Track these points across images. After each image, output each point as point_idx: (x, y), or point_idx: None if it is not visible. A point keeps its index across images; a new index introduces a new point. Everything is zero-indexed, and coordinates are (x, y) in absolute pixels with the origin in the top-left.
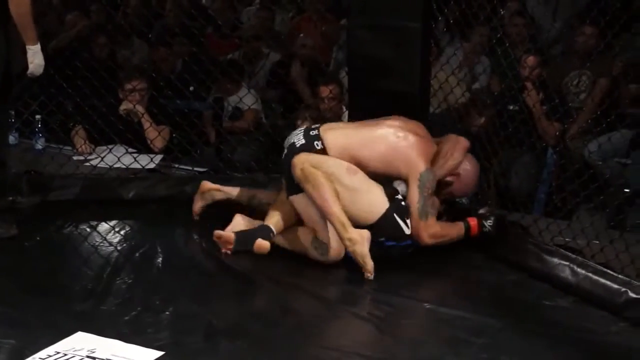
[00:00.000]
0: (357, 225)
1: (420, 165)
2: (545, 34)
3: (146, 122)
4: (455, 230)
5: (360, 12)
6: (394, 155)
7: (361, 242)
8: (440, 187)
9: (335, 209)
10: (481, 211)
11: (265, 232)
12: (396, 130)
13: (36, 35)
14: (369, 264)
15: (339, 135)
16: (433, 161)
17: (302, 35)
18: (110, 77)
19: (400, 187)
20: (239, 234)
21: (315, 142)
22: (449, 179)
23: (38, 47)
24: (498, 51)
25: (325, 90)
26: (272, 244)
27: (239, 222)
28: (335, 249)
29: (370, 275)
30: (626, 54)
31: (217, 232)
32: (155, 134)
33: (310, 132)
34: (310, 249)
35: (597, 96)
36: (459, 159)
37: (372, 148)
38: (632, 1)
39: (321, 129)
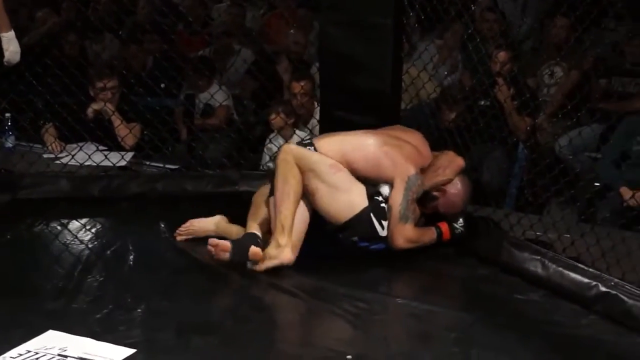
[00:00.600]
0: (334, 222)
1: (410, 169)
2: (516, 29)
3: (116, 120)
4: (427, 235)
5: (331, 8)
6: (384, 159)
7: (281, 257)
8: (426, 200)
9: (283, 209)
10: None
11: (254, 238)
12: (390, 137)
13: (9, 22)
14: (264, 269)
15: (333, 140)
16: (424, 172)
17: (292, 32)
18: (80, 75)
19: (383, 189)
20: (234, 242)
21: (308, 148)
22: (434, 193)
23: (12, 33)
24: (469, 47)
25: (297, 87)
26: None
27: (215, 219)
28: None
29: (255, 268)
30: (596, 49)
31: (213, 240)
32: (126, 132)
33: (303, 142)
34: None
35: (566, 87)
36: (449, 176)
37: (364, 151)
38: None
39: (314, 139)
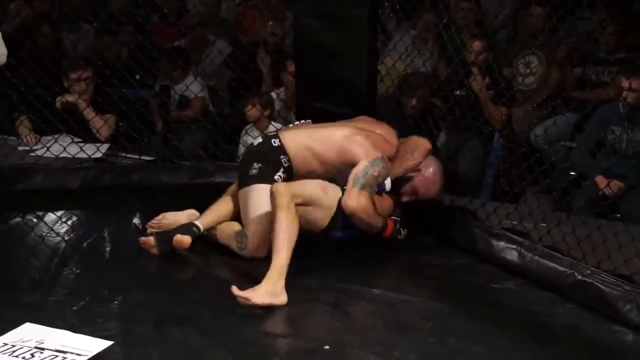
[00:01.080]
0: (318, 228)
1: (377, 153)
2: (491, 18)
3: (90, 113)
4: (378, 219)
5: None
6: (354, 147)
7: (277, 298)
8: (400, 184)
9: (283, 256)
10: (394, 217)
11: (186, 229)
12: (355, 128)
13: None
14: (256, 302)
15: (298, 133)
16: (392, 160)
17: (270, 23)
18: (55, 66)
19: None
20: (158, 235)
21: (273, 140)
22: (410, 175)
23: None
24: (445, 36)
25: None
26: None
27: (187, 213)
28: (252, 245)
29: (243, 297)
30: (570, 39)
31: (141, 238)
32: (100, 123)
33: (269, 134)
34: (233, 239)
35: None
36: (418, 159)
37: (333, 143)
38: None
39: (280, 131)
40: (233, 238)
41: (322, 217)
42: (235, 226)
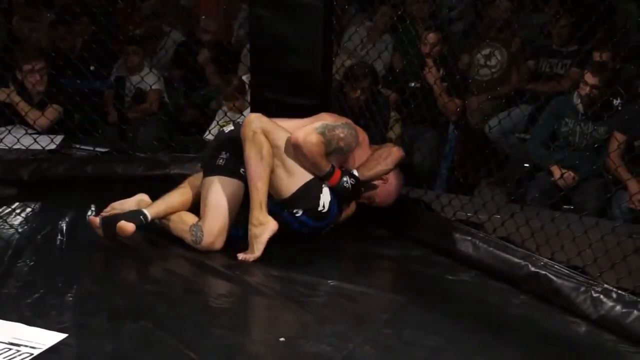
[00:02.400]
0: (282, 196)
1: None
2: (445, 10)
3: (21, 111)
4: (325, 163)
5: None
6: (318, 119)
7: (267, 229)
8: (365, 189)
9: (260, 186)
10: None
11: (133, 216)
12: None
13: None
14: (259, 251)
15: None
16: (364, 163)
17: (203, 17)
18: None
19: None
20: (105, 218)
21: None
22: (375, 182)
23: None
24: (399, 28)
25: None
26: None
27: (136, 199)
28: (208, 239)
29: (250, 259)
30: (524, 31)
31: (89, 217)
32: (37, 116)
33: (238, 121)
34: (188, 232)
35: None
36: (389, 166)
37: (299, 126)
38: None
39: None
40: (187, 231)
41: (281, 172)
42: (190, 218)
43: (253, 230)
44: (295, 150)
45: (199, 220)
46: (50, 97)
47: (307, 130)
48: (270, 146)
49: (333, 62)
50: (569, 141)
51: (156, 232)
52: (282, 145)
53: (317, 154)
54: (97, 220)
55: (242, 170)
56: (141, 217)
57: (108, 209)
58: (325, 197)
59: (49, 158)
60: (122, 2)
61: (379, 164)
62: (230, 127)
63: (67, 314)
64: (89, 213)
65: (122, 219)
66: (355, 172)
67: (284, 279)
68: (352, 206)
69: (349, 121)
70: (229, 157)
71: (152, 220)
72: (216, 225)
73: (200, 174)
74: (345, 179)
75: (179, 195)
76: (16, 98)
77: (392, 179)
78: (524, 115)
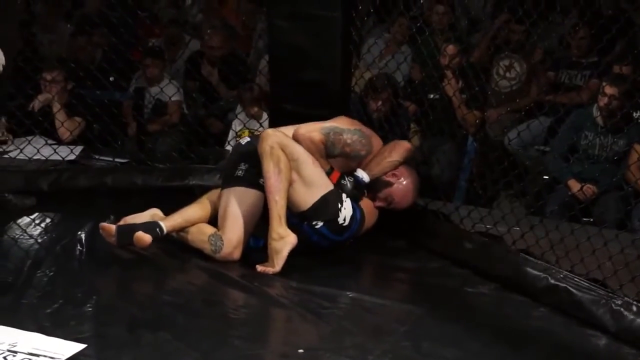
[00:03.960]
0: (300, 209)
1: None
2: (464, 22)
3: (61, 115)
4: (321, 161)
5: (280, 0)
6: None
7: (287, 243)
8: (379, 186)
9: (279, 199)
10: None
11: (149, 227)
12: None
13: None
14: (279, 266)
15: (283, 131)
16: (372, 159)
17: (208, 31)
18: (29, 67)
19: (358, 172)
20: (121, 227)
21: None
22: (386, 178)
23: None
24: (419, 40)
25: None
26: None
27: (150, 213)
28: (227, 249)
29: (269, 272)
30: (544, 42)
31: (101, 224)
32: (66, 124)
33: (256, 133)
34: (207, 242)
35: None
36: (396, 158)
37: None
38: None
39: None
40: (206, 241)
41: (299, 186)
42: (208, 229)
43: (273, 244)
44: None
45: (217, 231)
46: (70, 109)
47: (312, 127)
48: (288, 160)
49: (352, 74)
50: (589, 154)
51: (174, 243)
52: (299, 158)
53: (314, 152)
54: (113, 228)
55: (261, 180)
56: (157, 229)
57: (121, 222)
58: (347, 212)
59: (68, 169)
60: (142, 13)
61: (384, 158)
62: (247, 139)
63: (86, 325)
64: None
65: (139, 229)
66: (361, 172)
67: (302, 291)
68: (372, 220)
69: (364, 128)
70: (248, 168)
71: (168, 233)
72: (235, 235)
73: (218, 190)
74: (344, 181)
75: (197, 210)
76: (57, 106)
77: (407, 176)
78: (543, 127)
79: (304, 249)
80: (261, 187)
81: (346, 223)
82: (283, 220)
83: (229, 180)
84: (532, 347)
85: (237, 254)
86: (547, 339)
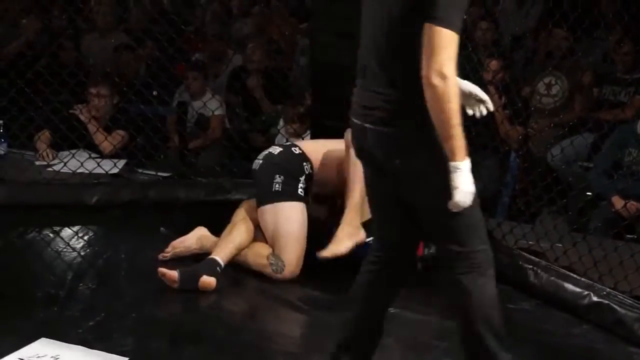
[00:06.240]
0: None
1: None
2: (508, 38)
3: (93, 128)
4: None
5: (323, 16)
6: None
7: (359, 235)
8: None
9: (358, 193)
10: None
11: (210, 267)
12: None
13: None
14: (347, 249)
15: (316, 142)
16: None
17: (251, 45)
18: (74, 81)
19: None
20: (183, 272)
21: (293, 148)
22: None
23: None
24: (461, 55)
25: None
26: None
27: (196, 235)
28: (290, 268)
29: (338, 253)
30: (589, 59)
31: (161, 269)
32: (101, 139)
33: (286, 143)
34: (266, 264)
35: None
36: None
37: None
38: (592, 7)
39: (296, 142)
40: (266, 264)
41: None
42: (263, 249)
43: (346, 229)
44: None
45: (273, 250)
46: (115, 123)
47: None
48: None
49: None
50: (633, 171)
51: None
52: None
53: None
54: (175, 275)
55: (299, 190)
56: (217, 268)
57: (169, 249)
58: None
59: (112, 182)
60: (186, 27)
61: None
62: (279, 148)
63: (128, 338)
64: (154, 238)
65: (202, 273)
66: None
67: (344, 307)
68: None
69: None
70: (284, 180)
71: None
72: (294, 254)
73: (251, 202)
74: (426, 249)
75: (243, 232)
76: (93, 127)
77: None
78: (587, 143)
79: (346, 264)
80: (301, 198)
81: None
82: (360, 213)
83: (268, 196)
84: None
85: (298, 271)
86: (588, 357)
